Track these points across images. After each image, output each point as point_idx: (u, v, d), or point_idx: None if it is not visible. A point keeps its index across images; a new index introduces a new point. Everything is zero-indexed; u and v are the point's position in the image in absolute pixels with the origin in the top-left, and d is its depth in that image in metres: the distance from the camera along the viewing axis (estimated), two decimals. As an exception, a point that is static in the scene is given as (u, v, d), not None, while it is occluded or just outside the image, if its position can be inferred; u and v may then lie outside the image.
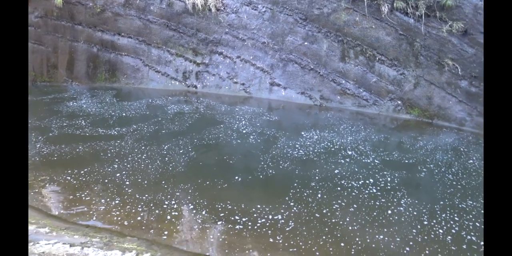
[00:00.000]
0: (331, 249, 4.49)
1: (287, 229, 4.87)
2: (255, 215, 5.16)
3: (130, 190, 5.73)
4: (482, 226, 5.10)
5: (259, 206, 5.39)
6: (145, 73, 12.49)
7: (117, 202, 5.40)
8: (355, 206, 5.48)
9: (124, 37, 12.43)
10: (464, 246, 4.63)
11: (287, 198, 5.63)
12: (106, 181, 5.99)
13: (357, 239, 4.70)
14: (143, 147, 7.36)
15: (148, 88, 12.42)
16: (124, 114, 9.55)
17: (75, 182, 5.91)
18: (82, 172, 6.27)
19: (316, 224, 4.97)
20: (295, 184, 6.07)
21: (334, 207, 5.44)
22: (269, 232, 4.78)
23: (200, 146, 7.59)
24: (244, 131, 8.51)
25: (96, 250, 4.01)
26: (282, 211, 5.28)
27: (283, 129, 8.76)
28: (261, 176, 6.33)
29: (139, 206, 5.31)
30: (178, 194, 5.71)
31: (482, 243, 4.76)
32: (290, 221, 5.03)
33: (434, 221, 5.17)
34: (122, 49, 12.52)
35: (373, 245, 4.60)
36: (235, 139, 8.02)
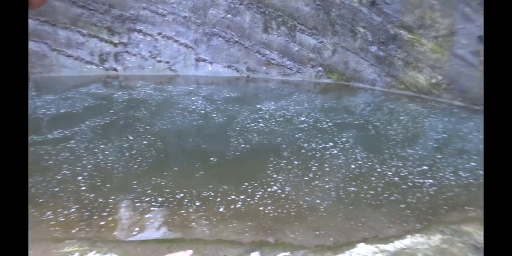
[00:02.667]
0: (347, 204, 4.31)
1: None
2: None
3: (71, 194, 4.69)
4: (422, 168, 5.31)
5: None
6: (54, 59, 10.52)
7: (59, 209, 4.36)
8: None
9: (21, 18, 10.21)
10: (410, 184, 4.81)
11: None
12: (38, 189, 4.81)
13: (332, 193, 4.53)
14: (98, 144, 5.97)
15: (61, 76, 10.46)
16: (63, 111, 7.55)
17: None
18: None
19: (304, 189, 4.70)
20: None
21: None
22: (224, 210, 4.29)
23: (159, 133, 6.51)
24: (197, 110, 7.66)
25: (32, 263, 3.18)
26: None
27: (233, 103, 8.17)
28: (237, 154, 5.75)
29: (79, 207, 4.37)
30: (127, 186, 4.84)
31: (423, 180, 4.95)
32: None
33: (385, 167, 5.27)
34: (20, 32, 10.30)
35: (345, 195, 4.47)
36: (194, 120, 7.16)
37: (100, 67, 10.55)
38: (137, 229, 3.89)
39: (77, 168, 5.13)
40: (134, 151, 5.71)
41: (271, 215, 4.08)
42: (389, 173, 5.08)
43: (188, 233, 3.80)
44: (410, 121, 7.19)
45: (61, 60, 10.52)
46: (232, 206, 4.23)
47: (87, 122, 6.83)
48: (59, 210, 4.17)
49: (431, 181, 4.90)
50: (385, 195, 4.52)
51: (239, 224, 3.92)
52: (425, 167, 5.27)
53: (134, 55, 10.46)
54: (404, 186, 4.74)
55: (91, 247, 3.45)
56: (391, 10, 9.18)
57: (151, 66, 10.49)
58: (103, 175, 4.94)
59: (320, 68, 10.08)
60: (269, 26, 9.85)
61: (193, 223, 3.95)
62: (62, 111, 7.55)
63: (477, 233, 3.57)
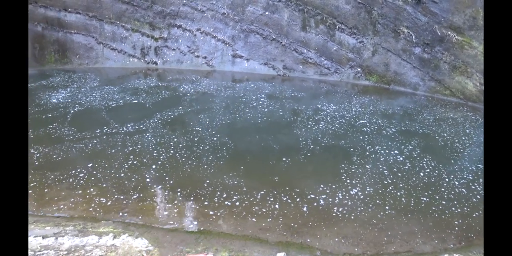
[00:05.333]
0: (383, 213, 4.10)
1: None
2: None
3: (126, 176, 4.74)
4: (481, 181, 4.84)
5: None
6: (100, 52, 10.90)
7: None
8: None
9: (72, 13, 10.65)
10: (478, 197, 4.49)
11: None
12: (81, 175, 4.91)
13: (373, 202, 4.21)
14: (169, 138, 5.93)
15: (105, 67, 10.85)
16: (135, 101, 7.69)
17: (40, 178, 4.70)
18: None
19: (378, 197, 4.47)
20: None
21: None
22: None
23: (226, 128, 6.42)
24: (258, 107, 7.52)
25: (72, 238, 3.44)
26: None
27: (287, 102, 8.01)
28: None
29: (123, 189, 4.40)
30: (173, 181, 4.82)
31: (479, 196, 4.49)
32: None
33: (444, 179, 4.84)
34: (71, 26, 10.75)
35: (384, 205, 4.15)
36: (258, 117, 7.02)
37: (141, 60, 10.79)
38: (166, 214, 3.83)
39: (144, 160, 5.14)
40: (207, 147, 5.61)
41: (302, 217, 3.86)
42: (455, 184, 4.72)
43: (212, 225, 3.75)
44: (477, 134, 6.64)
45: (106, 52, 10.88)
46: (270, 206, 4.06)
47: (157, 115, 6.88)
48: (115, 196, 4.24)
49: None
50: (428, 207, 4.16)
51: (267, 223, 3.75)
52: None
53: (173, 49, 10.58)
54: (452, 201, 4.34)
55: (124, 230, 3.59)
56: (439, 9, 8.55)
57: (189, 60, 10.56)
58: (169, 169, 4.91)
59: (358, 69, 9.63)
60: (307, 24, 9.54)
61: (216, 218, 3.84)
62: (135, 101, 7.70)
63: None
